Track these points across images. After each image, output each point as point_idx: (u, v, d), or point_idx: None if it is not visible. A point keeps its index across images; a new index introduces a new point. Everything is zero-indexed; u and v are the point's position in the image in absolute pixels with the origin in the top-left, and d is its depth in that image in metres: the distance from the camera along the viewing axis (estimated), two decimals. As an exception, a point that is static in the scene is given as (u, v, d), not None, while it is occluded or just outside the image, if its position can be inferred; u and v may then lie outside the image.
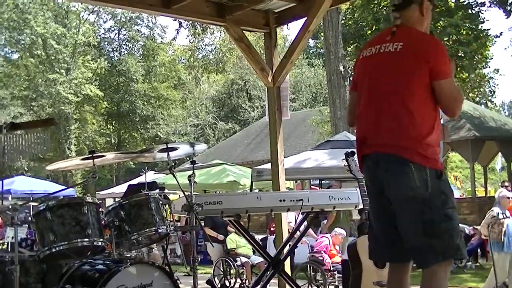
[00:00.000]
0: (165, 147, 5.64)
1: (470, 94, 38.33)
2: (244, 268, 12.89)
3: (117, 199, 24.08)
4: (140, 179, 22.49)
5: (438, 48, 4.12)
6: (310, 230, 12.87)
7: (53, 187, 27.36)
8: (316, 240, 12.88)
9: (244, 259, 12.95)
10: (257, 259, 12.60)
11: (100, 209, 5.39)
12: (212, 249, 13.39)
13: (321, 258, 11.78)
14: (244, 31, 9.01)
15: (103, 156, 5.52)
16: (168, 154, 5.65)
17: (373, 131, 4.16)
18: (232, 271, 13.08)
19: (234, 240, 13.07)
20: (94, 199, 5.32)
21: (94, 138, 50.89)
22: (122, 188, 25.52)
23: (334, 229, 12.66)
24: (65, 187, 25.01)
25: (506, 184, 14.61)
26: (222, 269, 13.14)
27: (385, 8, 36.47)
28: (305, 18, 8.56)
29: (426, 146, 3.99)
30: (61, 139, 46.12)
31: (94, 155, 5.32)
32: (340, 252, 12.03)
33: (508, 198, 10.17)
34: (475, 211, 21.94)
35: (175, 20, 29.36)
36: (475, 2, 37.51)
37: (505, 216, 9.82)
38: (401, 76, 4.10)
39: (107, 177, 50.36)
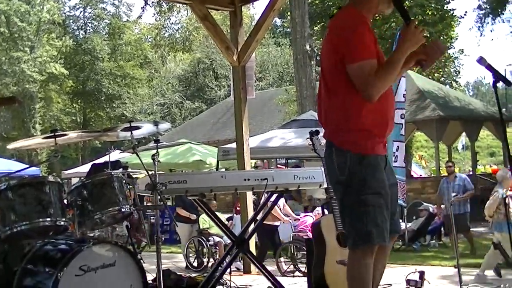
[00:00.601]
0: (129, 126, 5.59)
1: (436, 74, 38.61)
2: (217, 247, 12.87)
3: (82, 178, 24.02)
4: (106, 158, 22.36)
5: (345, 29, 4.08)
6: (289, 209, 12.89)
7: (17, 166, 27.01)
8: (299, 220, 12.89)
9: (217, 239, 12.93)
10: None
11: (64, 188, 5.33)
12: (182, 230, 13.37)
13: (306, 237, 11.69)
14: (209, 10, 8.96)
15: (65, 135, 5.45)
16: (131, 133, 5.60)
17: None
18: (205, 251, 13.06)
19: (207, 220, 13.04)
20: (57, 178, 5.26)
21: (59, 117, 50.38)
22: (87, 168, 25.26)
23: None
24: (28, 166, 24.75)
25: (450, 164, 14.76)
26: (194, 249, 13.14)
27: (352, -13, 36.50)
28: (270, -3, 8.55)
29: (347, 130, 3.98)
30: (26, 118, 45.61)
31: (56, 133, 5.25)
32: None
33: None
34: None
35: (141, -2, 29.10)
36: (441, -18, 37.75)
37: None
38: (324, 60, 4.15)
39: (73, 156, 49.96)
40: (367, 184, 3.93)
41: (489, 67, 4.61)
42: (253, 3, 15.71)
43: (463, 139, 36.35)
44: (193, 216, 13.35)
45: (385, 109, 4.08)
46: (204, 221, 13.13)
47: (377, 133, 4.04)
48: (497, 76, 4.55)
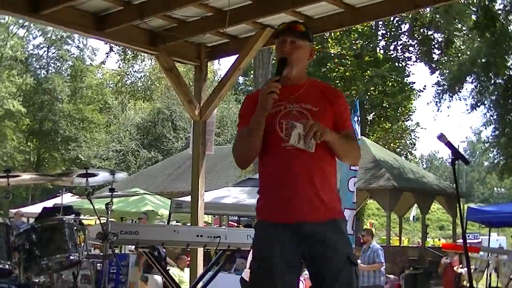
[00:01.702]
0: (85, 172, 5.54)
1: (392, 144, 39.16)
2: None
3: (31, 220, 23.50)
4: (57, 200, 22.06)
5: None
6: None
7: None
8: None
9: None
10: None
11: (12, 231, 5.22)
12: (150, 284, 12.90)
13: None
14: (175, 62, 9.00)
15: (18, 176, 5.38)
16: (87, 180, 5.55)
17: None
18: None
19: (177, 275, 12.71)
20: (5, 220, 5.17)
21: (12, 154, 49.70)
22: (37, 208, 24.92)
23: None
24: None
25: (363, 233, 14.61)
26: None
27: (316, 52, 37.07)
28: (237, 56, 8.62)
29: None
30: (-23, 153, 44.98)
31: (10, 174, 5.18)
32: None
33: None
34: (389, 259, 22.18)
35: (106, 43, 29.12)
36: (402, 56, 38.62)
37: None
38: None
39: (23, 195, 49.17)
40: (254, 250, 4.10)
41: (449, 144, 4.70)
42: (219, 60, 15.85)
43: (414, 211, 36.69)
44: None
45: (277, 174, 3.97)
46: (175, 276, 12.77)
47: (266, 200, 4.06)
48: (456, 154, 4.65)
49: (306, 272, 4.02)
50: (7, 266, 4.99)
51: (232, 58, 8.80)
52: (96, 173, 5.73)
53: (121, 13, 7.81)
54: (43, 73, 53.52)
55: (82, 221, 5.94)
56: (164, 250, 13.09)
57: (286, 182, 3.90)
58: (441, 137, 4.69)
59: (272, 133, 3.94)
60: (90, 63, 54.57)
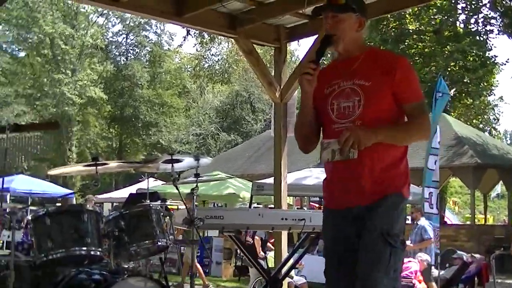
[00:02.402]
0: (170, 158, 5.56)
1: (474, 121, 38.36)
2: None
3: (115, 204, 23.94)
4: (140, 185, 22.45)
5: None
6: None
7: (52, 188, 27.26)
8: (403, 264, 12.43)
9: (287, 280, 12.54)
10: (300, 279, 12.18)
11: (102, 218, 5.29)
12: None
13: (411, 284, 11.12)
14: (254, 45, 8.95)
15: (106, 163, 5.43)
16: (172, 166, 5.57)
17: None
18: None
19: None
20: (95, 207, 5.25)
21: (95, 141, 50.86)
22: (121, 193, 25.46)
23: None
24: (68, 193, 24.89)
25: (412, 210, 13.99)
26: None
27: (393, 29, 36.51)
28: (316, 36, 8.50)
29: None
30: (63, 140, 46.01)
31: (98, 162, 5.24)
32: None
33: None
34: (473, 238, 21.80)
35: (183, 27, 29.29)
36: (483, 29, 37.60)
37: None
38: None
39: (106, 181, 50.22)
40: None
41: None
42: (298, 41, 15.76)
43: (499, 188, 35.90)
44: (261, 254, 12.83)
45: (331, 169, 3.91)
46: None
47: (324, 188, 4.03)
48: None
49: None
50: (98, 253, 5.06)
51: (312, 39, 8.71)
52: (181, 159, 5.75)
53: (200, -3, 7.81)
54: (123, 60, 54.43)
55: (168, 206, 5.96)
56: (265, 234, 13.15)
57: (335, 167, 3.81)
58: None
59: (325, 115, 3.86)
60: (168, 48, 55.16)
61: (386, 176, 3.78)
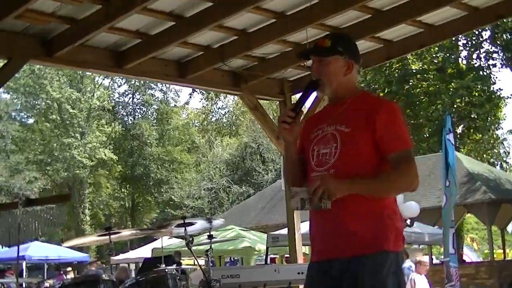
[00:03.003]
0: (182, 222, 5.60)
1: (484, 156, 38.25)
2: None
3: (131, 267, 23.84)
4: (154, 244, 22.42)
5: None
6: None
7: (68, 253, 27.26)
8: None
9: None
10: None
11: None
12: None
13: None
14: (259, 99, 9.05)
15: (119, 232, 5.47)
16: (185, 230, 5.60)
17: None
18: None
19: None
20: (111, 277, 5.27)
21: (108, 202, 50.91)
22: (136, 253, 25.42)
23: None
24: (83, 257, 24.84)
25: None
26: None
27: (397, 70, 36.72)
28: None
29: None
30: (75, 203, 46.06)
31: (111, 231, 5.27)
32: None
33: None
34: (493, 275, 21.60)
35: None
36: (486, 64, 37.76)
37: None
38: None
39: (122, 241, 50.15)
40: None
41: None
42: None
43: (515, 221, 35.63)
44: None
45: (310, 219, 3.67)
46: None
47: (311, 239, 3.69)
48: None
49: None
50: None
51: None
52: (194, 222, 5.78)
53: (202, 57, 7.93)
54: (130, 120, 54.71)
55: (184, 270, 5.98)
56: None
57: (314, 217, 3.60)
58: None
59: (308, 162, 3.64)
60: (175, 105, 55.50)
61: (364, 231, 3.46)
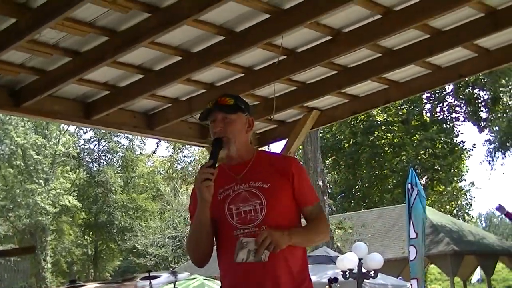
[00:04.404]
0: (147, 275, 5.59)
1: (447, 207, 38.65)
2: None
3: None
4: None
5: None
6: None
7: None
8: None
9: None
10: None
11: None
12: None
13: None
14: (225, 152, 9.08)
15: (84, 285, 5.44)
16: (150, 283, 5.59)
17: None
18: None
19: None
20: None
21: (70, 249, 50.29)
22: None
23: None
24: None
25: None
26: None
27: (362, 122, 37.13)
28: (286, 140, 8.68)
29: None
30: (37, 250, 45.40)
31: (75, 285, 5.24)
32: None
33: None
34: (457, 327, 21.68)
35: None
36: (449, 117, 38.45)
37: None
38: None
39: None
40: None
41: (509, 215, 4.65)
42: (268, 145, 15.99)
43: (478, 272, 35.90)
44: None
45: (230, 269, 3.62)
46: None
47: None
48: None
49: None
50: None
51: (281, 143, 8.87)
52: (159, 275, 5.77)
53: (170, 110, 7.97)
54: (95, 166, 54.43)
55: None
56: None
57: (246, 269, 3.51)
58: (500, 209, 4.67)
59: (222, 222, 3.59)
60: (140, 152, 55.40)
61: (292, 281, 3.57)
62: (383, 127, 37.79)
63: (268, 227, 3.49)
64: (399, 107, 37.18)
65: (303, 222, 3.78)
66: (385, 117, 37.64)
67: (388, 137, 37.75)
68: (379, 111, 36.30)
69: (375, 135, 37.49)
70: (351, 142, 38.25)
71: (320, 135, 28.75)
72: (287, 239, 3.47)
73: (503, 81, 32.67)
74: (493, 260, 25.71)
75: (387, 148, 37.86)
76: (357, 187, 40.78)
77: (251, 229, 3.52)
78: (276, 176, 3.63)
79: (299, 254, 3.64)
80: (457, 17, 6.04)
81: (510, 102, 34.22)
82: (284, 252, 3.48)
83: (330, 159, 39.09)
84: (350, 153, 38.37)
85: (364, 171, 38.90)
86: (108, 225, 50.82)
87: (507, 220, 4.53)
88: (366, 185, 39.81)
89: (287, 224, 3.59)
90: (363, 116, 35.81)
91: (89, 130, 53.49)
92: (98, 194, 51.39)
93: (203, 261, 3.69)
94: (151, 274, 5.13)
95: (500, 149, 31.96)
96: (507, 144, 31.27)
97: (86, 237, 53.08)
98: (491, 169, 36.08)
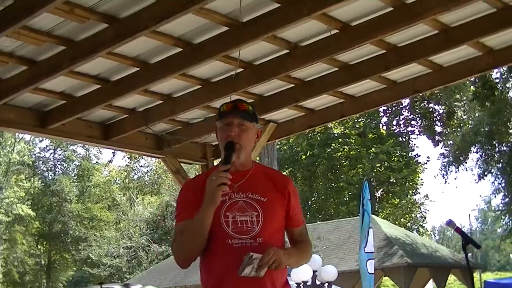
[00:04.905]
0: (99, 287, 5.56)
1: (402, 220, 39.01)
2: None
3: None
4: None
5: None
6: None
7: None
8: None
9: None
10: None
11: None
12: None
13: None
14: (181, 163, 9.09)
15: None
16: (103, 294, 5.56)
17: None
18: None
19: None
20: None
21: (23, 259, 49.58)
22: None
23: None
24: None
25: None
26: None
27: (319, 134, 37.36)
28: (243, 152, 8.70)
29: None
30: (-11, 260, 44.85)
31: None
32: None
33: None
34: None
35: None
36: (405, 130, 38.91)
37: None
38: None
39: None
40: None
41: (458, 230, 4.73)
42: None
43: (431, 285, 36.26)
44: None
45: (223, 275, 3.52)
46: None
47: None
48: (467, 239, 4.66)
49: None
50: None
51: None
52: (111, 287, 5.74)
53: (127, 120, 7.94)
54: (51, 175, 53.92)
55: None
56: None
57: (238, 283, 3.45)
58: (450, 224, 4.73)
59: (216, 228, 3.50)
60: (97, 162, 55.03)
61: None
62: (340, 140, 38.10)
63: (263, 241, 3.49)
64: (356, 120, 37.49)
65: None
66: (342, 129, 37.95)
67: (345, 150, 38.06)
68: (336, 123, 36.57)
69: (332, 147, 37.76)
70: (308, 154, 38.48)
71: (277, 146, 28.82)
72: (287, 259, 3.51)
73: (458, 96, 33.16)
74: (445, 272, 26.00)
75: (343, 161, 38.16)
76: (313, 199, 40.98)
77: (247, 240, 3.49)
78: (273, 192, 3.63)
79: (285, 274, 3.66)
80: (412, 33, 6.14)
81: (464, 117, 34.76)
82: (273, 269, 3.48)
83: (287, 171, 39.21)
84: (306, 165, 38.58)
85: (321, 183, 39.12)
86: (62, 235, 50.30)
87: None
88: (322, 197, 40.04)
89: (280, 239, 3.62)
90: (320, 129, 36.04)
91: (45, 139, 52.96)
92: (53, 203, 50.85)
93: (191, 262, 3.62)
94: (103, 286, 5.09)
95: (454, 163, 32.44)
96: (461, 158, 31.74)
97: (39, 246, 52.45)
98: (445, 183, 36.51)
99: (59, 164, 54.80)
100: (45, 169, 54.62)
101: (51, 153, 54.45)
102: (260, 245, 3.48)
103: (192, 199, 3.57)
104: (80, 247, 49.38)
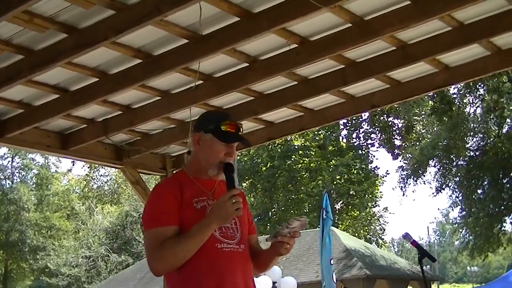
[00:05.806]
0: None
1: (362, 232, 39.29)
2: None
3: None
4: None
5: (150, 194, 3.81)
6: None
7: None
8: None
9: None
10: None
11: None
12: None
13: None
14: (140, 174, 9.06)
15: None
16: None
17: None
18: None
19: None
20: None
21: (-21, 268, 48.96)
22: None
23: None
24: None
25: None
26: None
27: (280, 146, 37.46)
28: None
29: None
30: None
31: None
32: None
33: None
34: None
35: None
36: (365, 143, 39.23)
37: None
38: None
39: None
40: None
41: (414, 243, 4.82)
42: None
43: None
44: None
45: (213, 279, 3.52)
46: None
47: None
48: (423, 252, 4.75)
49: None
50: None
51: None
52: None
53: (86, 130, 7.91)
54: (8, 184, 53.26)
55: None
56: None
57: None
58: (406, 237, 4.82)
59: None
60: (56, 170, 54.48)
61: None
62: (300, 152, 38.25)
63: (244, 247, 3.65)
64: (316, 133, 37.69)
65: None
66: (303, 141, 38.10)
67: (305, 162, 38.22)
68: (296, 136, 36.73)
69: (292, 159, 37.90)
70: (268, 166, 38.54)
71: (238, 157, 28.87)
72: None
73: (417, 111, 33.53)
74: (403, 284, 26.26)
75: (303, 173, 38.30)
76: (273, 210, 41.04)
77: (234, 245, 3.60)
78: None
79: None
80: (370, 49, 6.23)
81: (423, 131, 35.16)
82: (251, 272, 3.72)
83: (247, 182, 39.26)
84: (267, 177, 38.64)
85: (281, 194, 39.21)
86: (19, 244, 49.67)
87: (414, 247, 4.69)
88: (282, 208, 40.11)
89: (249, 248, 3.75)
90: (280, 141, 36.16)
91: (3, 146, 52.34)
92: (10, 212, 50.20)
93: (171, 270, 3.58)
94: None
95: (412, 176, 32.80)
96: (419, 171, 32.09)
97: (-4, 256, 51.76)
98: (403, 195, 36.87)
99: (17, 172, 54.23)
100: (2, 177, 53.94)
101: (9, 161, 53.86)
102: (244, 250, 3.65)
103: (173, 205, 3.52)
104: (38, 257, 48.86)
